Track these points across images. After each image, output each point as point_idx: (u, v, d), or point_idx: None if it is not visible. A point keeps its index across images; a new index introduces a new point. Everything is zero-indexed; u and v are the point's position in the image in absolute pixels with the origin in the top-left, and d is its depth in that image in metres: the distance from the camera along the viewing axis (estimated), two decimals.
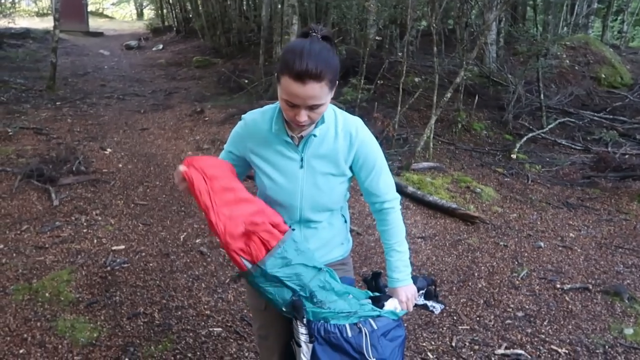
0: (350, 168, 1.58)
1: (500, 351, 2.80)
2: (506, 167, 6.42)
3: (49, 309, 2.90)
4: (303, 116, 1.38)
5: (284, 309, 1.47)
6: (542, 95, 8.24)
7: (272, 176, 1.53)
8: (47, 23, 15.89)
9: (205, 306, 3.07)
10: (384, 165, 1.61)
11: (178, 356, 2.61)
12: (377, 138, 1.64)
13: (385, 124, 6.53)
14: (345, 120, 1.55)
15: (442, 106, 6.37)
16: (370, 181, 1.59)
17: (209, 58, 12.54)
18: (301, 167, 1.53)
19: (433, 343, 2.86)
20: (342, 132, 1.52)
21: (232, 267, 3.45)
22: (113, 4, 27.68)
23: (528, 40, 9.02)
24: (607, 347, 2.87)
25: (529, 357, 2.76)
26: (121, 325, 2.82)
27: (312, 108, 1.37)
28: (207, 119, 7.49)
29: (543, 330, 3.01)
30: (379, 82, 8.36)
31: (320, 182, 1.54)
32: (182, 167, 1.44)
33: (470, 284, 3.55)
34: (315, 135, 1.49)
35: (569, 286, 3.55)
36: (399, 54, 10.00)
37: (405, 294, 1.64)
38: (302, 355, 1.44)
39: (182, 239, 3.93)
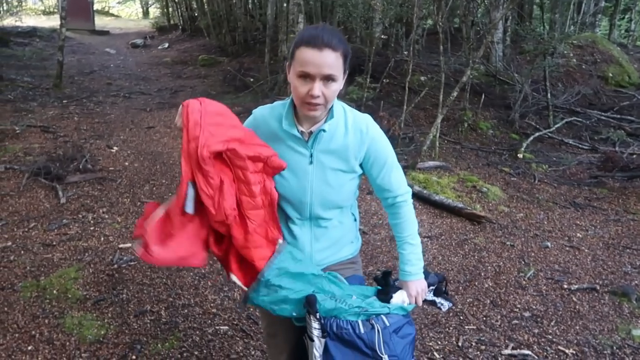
0: (361, 165, 1.58)
1: (507, 351, 2.79)
2: (513, 167, 6.40)
3: (57, 306, 2.92)
4: (317, 89, 1.37)
5: (294, 314, 1.48)
6: (549, 95, 8.20)
7: (282, 172, 1.53)
8: (54, 21, 15.98)
9: (212, 304, 3.07)
10: (394, 160, 1.61)
11: (185, 354, 2.62)
12: None
13: (391, 123, 6.52)
14: (355, 116, 1.55)
15: (448, 105, 6.34)
16: (382, 177, 1.59)
17: (215, 56, 12.56)
18: (310, 162, 1.52)
19: (439, 343, 2.85)
20: (353, 129, 1.52)
21: None
22: (119, 3, 27.78)
23: (535, 39, 8.97)
24: (614, 348, 2.85)
25: (536, 357, 2.75)
26: (128, 323, 2.82)
27: (326, 81, 1.38)
28: None
29: (550, 331, 3.00)
30: (384, 81, 8.35)
31: (329, 178, 1.53)
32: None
33: (476, 283, 3.54)
34: (324, 130, 1.49)
35: (576, 286, 3.53)
36: (405, 52, 9.98)
37: (415, 288, 1.63)
38: (314, 350, 1.45)
39: None
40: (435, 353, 2.76)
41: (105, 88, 9.53)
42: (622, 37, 15.69)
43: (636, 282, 3.64)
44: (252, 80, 9.41)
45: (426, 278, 1.68)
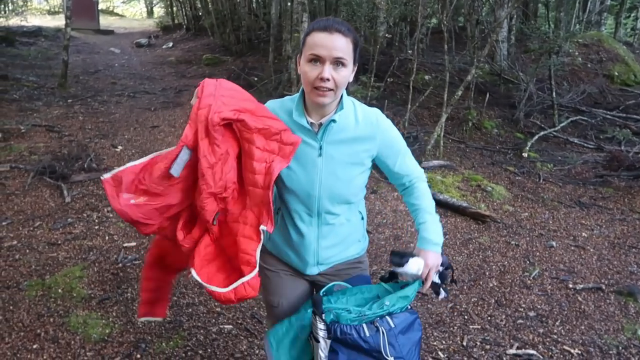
0: (374, 159, 1.59)
1: (512, 351, 2.77)
2: (517, 166, 6.37)
3: (62, 304, 2.93)
4: (327, 72, 1.38)
5: None
6: (554, 93, 8.17)
7: (290, 164, 1.51)
8: (59, 21, 16.05)
9: (216, 303, 3.07)
10: (405, 146, 1.64)
11: (189, 353, 2.62)
12: None
13: (395, 122, 6.49)
14: (365, 109, 1.57)
15: (453, 104, 6.33)
16: (400, 165, 1.61)
17: (219, 56, 12.56)
18: (320, 155, 1.51)
19: (444, 342, 2.84)
20: (363, 121, 1.53)
21: None
22: (123, 2, 27.85)
23: (540, 37, 8.93)
24: (620, 348, 2.84)
25: (541, 357, 2.74)
26: (133, 322, 2.83)
27: (336, 65, 1.39)
28: None
29: (555, 331, 2.99)
30: (389, 80, 8.34)
31: (339, 171, 1.53)
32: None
33: (481, 283, 3.52)
34: (335, 121, 1.49)
35: (581, 286, 3.51)
36: (409, 51, 9.97)
37: (433, 259, 1.57)
38: (319, 350, 1.44)
39: None
40: (439, 352, 2.75)
41: (110, 87, 9.56)
42: (628, 36, 15.60)
43: None
44: (256, 79, 9.42)
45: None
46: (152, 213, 1.45)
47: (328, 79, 1.38)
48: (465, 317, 3.10)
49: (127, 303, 3.00)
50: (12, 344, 2.56)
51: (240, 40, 12.98)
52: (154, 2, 25.70)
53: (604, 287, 3.50)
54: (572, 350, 2.80)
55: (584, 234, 4.47)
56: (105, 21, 19.84)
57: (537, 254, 4.02)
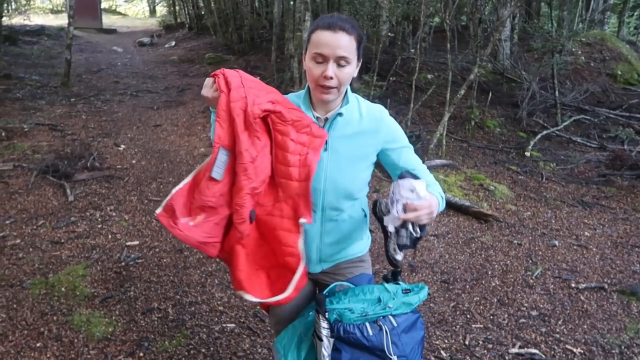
0: (378, 154, 1.59)
1: (514, 350, 2.77)
2: (520, 165, 6.36)
3: (65, 303, 2.94)
4: (331, 70, 1.40)
5: None
6: (556, 92, 8.14)
7: None
8: (62, 20, 16.07)
9: (219, 302, 3.08)
10: (408, 141, 1.66)
11: (192, 351, 2.63)
12: None
13: (398, 121, 6.49)
14: (368, 105, 1.59)
15: (455, 103, 6.32)
16: (404, 159, 1.61)
17: (221, 55, 12.56)
18: (325, 149, 1.52)
19: (446, 341, 2.84)
20: (367, 116, 1.55)
21: None
22: (126, 1, 27.88)
23: (543, 36, 8.91)
24: (623, 347, 2.84)
25: (544, 356, 2.74)
26: (136, 320, 2.84)
27: (340, 63, 1.41)
28: None
29: (558, 330, 2.98)
30: (391, 79, 8.33)
31: (344, 165, 1.54)
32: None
33: (483, 282, 3.52)
34: (341, 114, 1.51)
35: (584, 285, 3.51)
36: (412, 50, 9.96)
37: (435, 201, 1.42)
38: (323, 349, 1.45)
39: None
40: (442, 352, 2.75)
41: (113, 86, 9.57)
42: (631, 35, 15.55)
43: None
44: (258, 78, 9.41)
45: None
46: (214, 229, 1.44)
47: (332, 77, 1.41)
48: (468, 316, 3.10)
49: (130, 302, 3.01)
50: (16, 342, 2.57)
51: (243, 39, 12.98)
52: (157, 1, 25.73)
53: (606, 286, 3.50)
54: (574, 350, 2.80)
55: (586, 233, 4.46)
56: (107, 20, 19.86)
57: (540, 253, 4.02)
